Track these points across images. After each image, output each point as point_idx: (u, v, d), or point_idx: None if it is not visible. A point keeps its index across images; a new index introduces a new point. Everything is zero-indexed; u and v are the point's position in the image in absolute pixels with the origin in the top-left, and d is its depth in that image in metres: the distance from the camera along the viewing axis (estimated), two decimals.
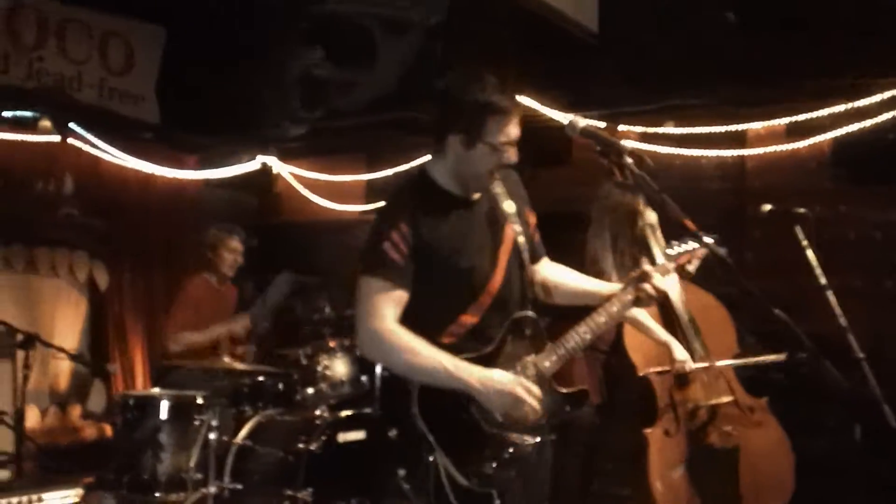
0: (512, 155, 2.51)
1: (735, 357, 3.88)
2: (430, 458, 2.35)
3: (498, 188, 2.62)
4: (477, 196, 2.59)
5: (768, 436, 3.84)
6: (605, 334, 3.74)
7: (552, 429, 2.55)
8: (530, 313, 2.57)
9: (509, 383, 2.39)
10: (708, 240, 2.66)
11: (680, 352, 3.70)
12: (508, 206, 2.62)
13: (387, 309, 2.43)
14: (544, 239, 2.80)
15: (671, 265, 2.79)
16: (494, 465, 2.40)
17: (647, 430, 3.69)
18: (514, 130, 2.49)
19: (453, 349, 2.43)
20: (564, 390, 2.58)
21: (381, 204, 2.63)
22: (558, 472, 3.95)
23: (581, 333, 2.55)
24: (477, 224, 2.56)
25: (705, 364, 3.70)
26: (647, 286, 2.58)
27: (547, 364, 2.52)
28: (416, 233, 2.45)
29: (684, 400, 3.76)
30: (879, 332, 4.85)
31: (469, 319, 2.49)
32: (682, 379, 3.75)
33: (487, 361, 2.44)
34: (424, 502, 2.38)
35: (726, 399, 3.78)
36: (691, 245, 2.84)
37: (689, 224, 2.54)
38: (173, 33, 6.52)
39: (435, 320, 2.47)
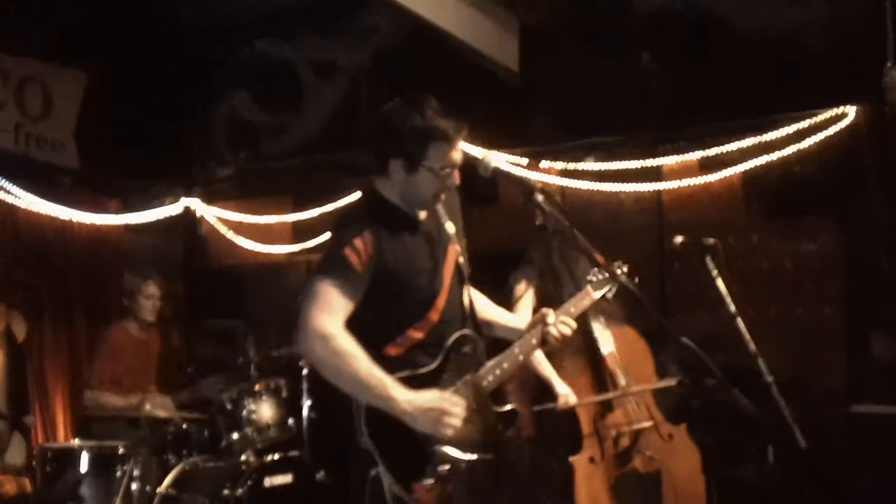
0: (455, 178, 2.59)
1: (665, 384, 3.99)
2: (373, 473, 2.39)
3: (440, 208, 2.67)
4: (423, 215, 2.64)
5: (689, 460, 3.95)
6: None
7: (486, 447, 2.57)
8: (471, 332, 2.63)
9: (434, 401, 2.43)
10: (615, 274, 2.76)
11: (561, 387, 3.82)
12: (450, 227, 2.69)
13: (339, 312, 2.43)
14: (475, 277, 2.84)
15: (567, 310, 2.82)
16: (431, 480, 2.42)
17: (573, 458, 3.77)
18: (455, 155, 2.56)
19: (399, 362, 2.48)
20: (499, 409, 2.63)
21: (338, 217, 2.68)
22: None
23: (515, 356, 2.64)
24: (425, 242, 2.62)
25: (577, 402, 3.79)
26: (549, 329, 2.67)
27: (484, 383, 2.58)
28: (377, 245, 2.49)
29: (607, 427, 3.85)
30: (797, 360, 5.04)
31: (416, 335, 2.54)
32: (606, 406, 3.85)
33: (431, 378, 2.50)
34: None
35: (647, 424, 3.88)
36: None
37: (600, 258, 2.63)
38: (94, 77, 6.44)
39: (383, 333, 2.52)
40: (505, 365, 2.62)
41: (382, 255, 2.49)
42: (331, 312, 2.42)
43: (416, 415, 2.39)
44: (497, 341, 2.81)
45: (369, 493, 2.40)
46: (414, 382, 2.46)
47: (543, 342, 2.68)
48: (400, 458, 2.41)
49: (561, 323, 2.69)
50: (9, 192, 6.14)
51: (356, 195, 2.70)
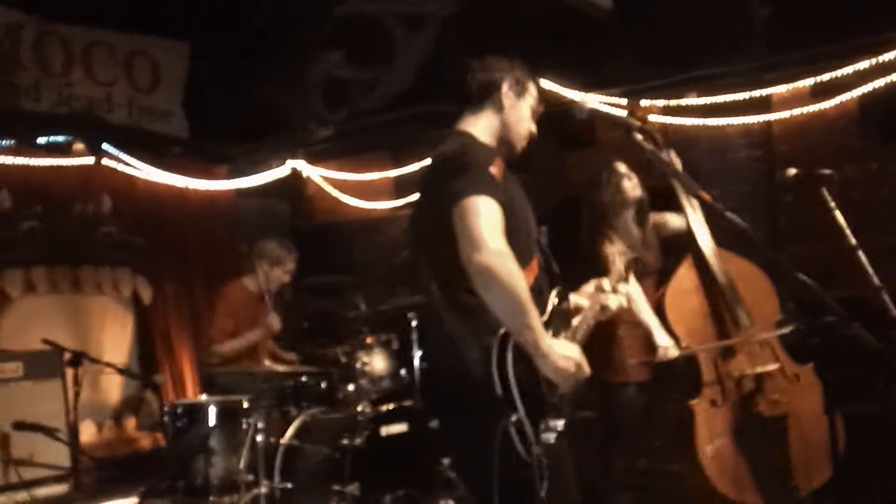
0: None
1: (778, 325, 3.85)
2: (513, 419, 2.28)
3: None
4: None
5: (816, 401, 3.81)
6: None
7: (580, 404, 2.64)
8: (563, 289, 2.61)
9: (572, 350, 2.41)
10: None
11: (662, 338, 3.70)
12: None
13: (501, 230, 2.34)
14: (571, 220, 2.88)
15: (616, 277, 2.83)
16: (554, 436, 2.36)
17: (693, 402, 3.70)
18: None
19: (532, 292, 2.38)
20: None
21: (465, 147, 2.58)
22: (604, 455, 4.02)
23: (585, 322, 2.67)
24: (522, 192, 2.62)
25: (679, 352, 3.69)
26: (602, 298, 2.72)
27: (578, 339, 2.58)
28: (505, 172, 2.48)
29: (729, 371, 3.76)
30: None
31: (528, 276, 2.44)
32: (726, 350, 3.75)
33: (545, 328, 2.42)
34: (482, 471, 2.32)
35: (772, 367, 3.78)
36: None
37: (705, 196, 2.54)
38: (196, 47, 6.62)
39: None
40: (584, 326, 2.64)
41: (506, 182, 2.46)
42: (497, 230, 2.32)
43: (556, 359, 2.33)
44: None
45: (500, 442, 2.28)
46: None
47: (603, 310, 2.71)
48: (534, 407, 2.33)
49: (613, 293, 2.73)
50: (127, 164, 6.44)
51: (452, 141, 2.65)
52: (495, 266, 2.26)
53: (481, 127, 2.62)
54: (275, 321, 4.77)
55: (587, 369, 2.42)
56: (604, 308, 2.71)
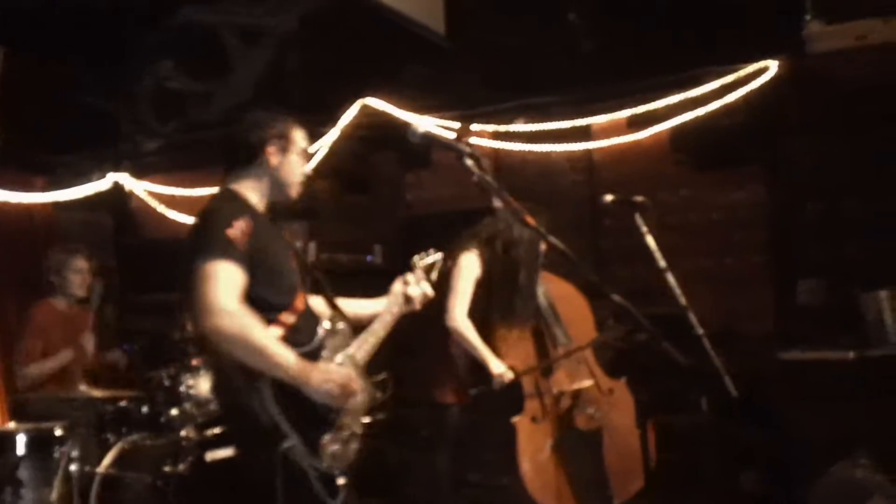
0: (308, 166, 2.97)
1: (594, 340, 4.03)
2: (286, 446, 2.51)
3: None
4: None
5: (629, 414, 4.00)
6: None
7: (371, 411, 2.86)
8: (335, 313, 2.87)
9: (333, 373, 2.63)
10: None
11: (496, 366, 3.80)
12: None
13: (235, 289, 2.54)
14: (420, 239, 3.24)
15: (420, 274, 3.23)
16: (336, 446, 2.63)
17: (515, 419, 3.80)
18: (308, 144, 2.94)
19: (283, 341, 2.61)
20: (374, 378, 2.90)
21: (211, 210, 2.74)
22: (431, 471, 4.08)
23: (377, 329, 2.98)
24: (282, 239, 2.90)
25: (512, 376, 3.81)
26: (406, 290, 3.10)
27: (359, 356, 2.86)
28: (254, 228, 2.64)
29: (549, 387, 3.89)
30: (730, 309, 5.19)
31: (288, 319, 2.71)
32: (546, 368, 3.90)
33: (312, 356, 2.66)
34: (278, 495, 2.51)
35: (587, 383, 3.95)
36: (434, 257, 3.31)
37: (529, 220, 2.65)
38: (13, 50, 6.21)
39: (262, 315, 2.61)
40: (371, 339, 2.93)
41: (256, 240, 2.64)
42: (234, 291, 2.53)
43: (322, 385, 2.56)
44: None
45: (282, 468, 2.49)
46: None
47: (407, 301, 3.08)
48: (307, 429, 2.56)
49: (421, 281, 3.11)
50: None
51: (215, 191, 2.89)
52: (224, 328, 2.48)
53: (248, 185, 2.83)
54: (88, 342, 4.56)
55: (355, 385, 2.66)
56: (408, 298, 3.08)
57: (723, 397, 2.97)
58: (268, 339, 2.52)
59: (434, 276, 3.25)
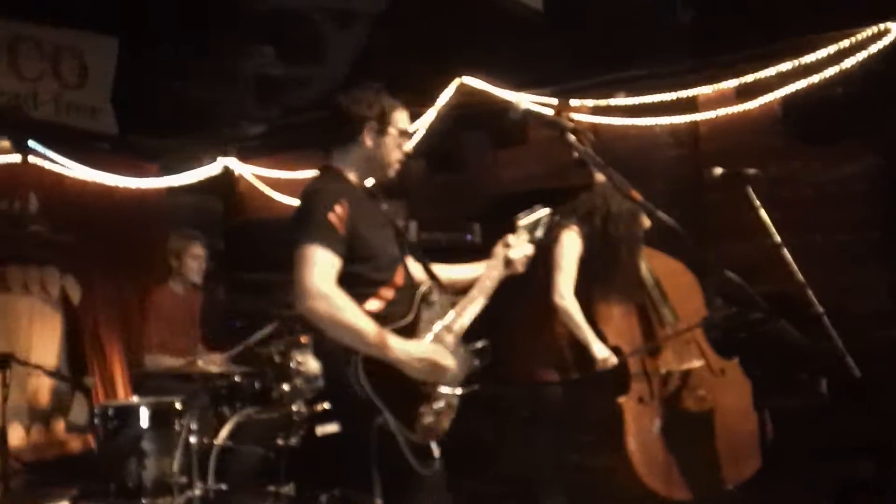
0: (408, 146, 2.91)
1: (704, 320, 3.93)
2: (379, 421, 2.54)
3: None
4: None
5: (741, 396, 3.92)
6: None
7: (467, 381, 2.83)
8: (432, 283, 2.86)
9: (427, 351, 2.66)
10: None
11: (600, 350, 3.74)
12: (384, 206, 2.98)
13: (331, 272, 2.59)
14: (508, 217, 3.08)
15: (523, 235, 3.07)
16: (431, 418, 2.66)
17: (621, 399, 3.76)
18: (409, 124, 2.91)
19: (379, 318, 2.63)
20: (472, 347, 2.87)
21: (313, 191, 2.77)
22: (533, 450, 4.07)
23: (476, 296, 2.90)
24: (382, 214, 2.91)
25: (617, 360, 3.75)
26: (508, 252, 2.98)
27: (457, 325, 2.83)
28: (351, 210, 2.67)
29: (656, 367, 3.83)
30: (841, 286, 4.97)
31: (387, 293, 2.74)
32: (653, 348, 3.83)
33: (409, 329, 2.70)
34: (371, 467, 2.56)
35: (698, 363, 3.86)
36: (539, 213, 3.09)
37: (636, 195, 2.60)
38: (125, 42, 6.47)
39: (361, 292, 2.66)
40: (470, 306, 2.88)
41: (358, 217, 2.68)
42: (329, 274, 2.58)
43: (413, 363, 2.60)
44: None
45: (377, 443, 2.54)
46: (395, 335, 2.63)
47: (508, 264, 2.96)
48: (401, 402, 2.59)
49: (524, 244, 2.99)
50: (55, 162, 6.27)
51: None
52: (319, 310, 2.54)
53: (348, 162, 2.84)
54: (216, 362, 4.69)
55: (447, 361, 2.67)
56: (509, 262, 2.96)
57: (843, 379, 2.84)
58: (360, 319, 2.57)
59: (540, 233, 3.11)
